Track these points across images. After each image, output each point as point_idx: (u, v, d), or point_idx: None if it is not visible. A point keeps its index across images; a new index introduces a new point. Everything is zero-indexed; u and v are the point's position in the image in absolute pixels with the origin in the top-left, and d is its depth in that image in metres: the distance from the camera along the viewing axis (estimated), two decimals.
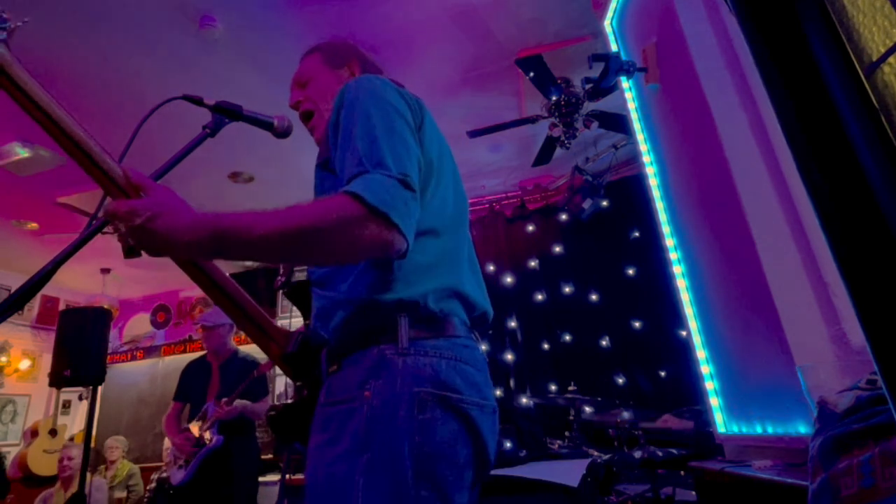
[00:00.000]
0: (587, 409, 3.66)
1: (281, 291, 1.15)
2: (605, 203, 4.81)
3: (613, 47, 2.86)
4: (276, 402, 5.60)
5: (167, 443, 4.69)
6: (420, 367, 0.81)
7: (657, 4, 2.40)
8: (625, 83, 2.82)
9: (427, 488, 0.76)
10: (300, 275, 1.12)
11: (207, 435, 2.93)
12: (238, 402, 2.96)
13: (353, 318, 0.87)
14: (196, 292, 6.83)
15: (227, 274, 1.00)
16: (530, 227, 5.58)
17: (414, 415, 0.78)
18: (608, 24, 2.93)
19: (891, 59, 0.43)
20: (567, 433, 3.74)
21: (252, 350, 3.45)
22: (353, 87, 0.93)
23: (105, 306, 5.25)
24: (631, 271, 4.96)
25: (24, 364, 6.57)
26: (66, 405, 6.70)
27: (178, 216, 0.77)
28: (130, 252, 0.80)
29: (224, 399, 2.92)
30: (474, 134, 4.00)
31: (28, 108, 0.77)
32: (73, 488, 3.77)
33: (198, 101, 1.06)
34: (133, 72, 3.44)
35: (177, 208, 0.78)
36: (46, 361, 5.85)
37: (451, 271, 0.93)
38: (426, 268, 0.88)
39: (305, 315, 1.08)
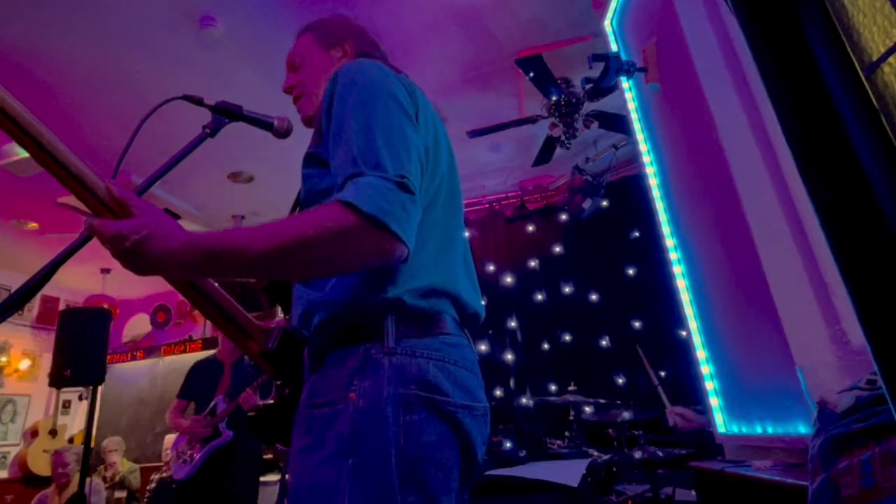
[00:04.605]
0: (587, 409, 3.66)
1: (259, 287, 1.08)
2: (605, 203, 4.81)
3: (613, 47, 2.86)
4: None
5: (167, 442, 4.69)
6: (406, 368, 0.78)
7: (657, 4, 2.40)
8: (625, 83, 2.82)
9: (413, 492, 0.74)
10: None
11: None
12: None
13: (338, 318, 0.84)
14: None
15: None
16: (530, 227, 5.58)
17: (400, 416, 0.75)
18: (608, 24, 2.93)
19: (891, 59, 0.43)
20: (567, 433, 3.74)
21: None
22: (346, 74, 0.87)
23: (105, 306, 5.26)
24: (631, 271, 4.96)
25: (24, 364, 6.57)
26: (66, 405, 6.71)
27: (169, 238, 0.72)
28: None
29: (248, 388, 2.89)
30: (474, 134, 4.00)
31: None
32: (69, 491, 3.76)
33: (198, 101, 1.06)
34: (133, 72, 3.44)
35: (167, 229, 0.73)
36: (46, 361, 5.85)
37: (443, 269, 0.88)
38: (416, 266, 0.83)
39: (285, 309, 1.04)
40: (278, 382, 0.99)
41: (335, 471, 0.73)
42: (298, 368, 0.94)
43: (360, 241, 0.72)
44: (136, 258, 0.72)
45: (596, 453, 3.11)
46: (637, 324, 4.84)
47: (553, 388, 4.93)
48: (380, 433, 0.74)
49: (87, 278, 6.54)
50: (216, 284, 0.97)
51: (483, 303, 1.00)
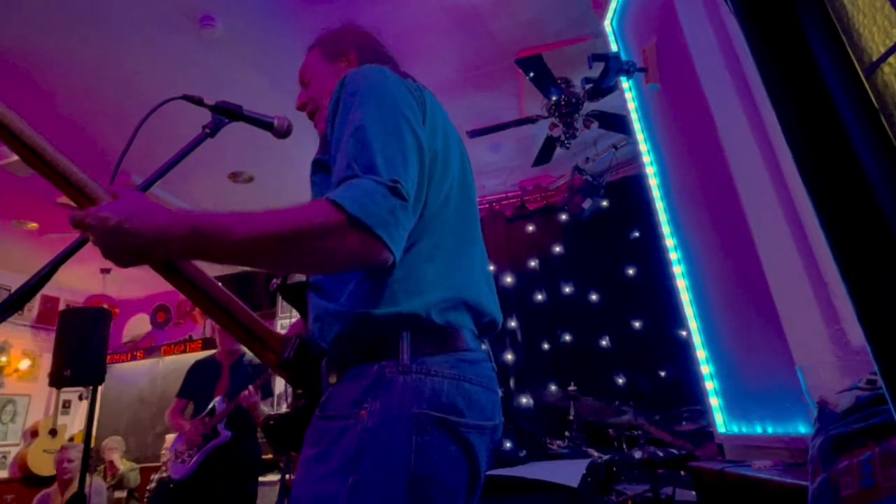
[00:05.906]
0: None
1: (277, 292, 1.08)
2: (605, 203, 4.80)
3: (613, 47, 2.86)
4: (273, 408, 5.59)
5: (167, 441, 4.70)
6: (421, 388, 0.77)
7: (657, 4, 2.40)
8: (625, 83, 2.82)
9: None
10: (299, 276, 1.06)
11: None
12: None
13: (353, 331, 0.83)
14: None
15: (223, 274, 0.93)
16: (530, 227, 5.58)
17: (412, 437, 0.74)
18: (608, 24, 2.93)
19: (891, 59, 0.43)
20: (567, 433, 3.74)
21: None
22: (350, 81, 0.88)
23: (105, 306, 5.25)
24: (631, 271, 4.96)
25: (24, 364, 6.56)
26: (66, 405, 6.70)
27: (153, 215, 0.73)
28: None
29: (250, 387, 2.89)
30: (474, 134, 3.99)
31: None
32: (72, 490, 3.76)
33: (198, 101, 1.06)
34: (133, 72, 3.44)
35: (151, 208, 0.74)
36: (46, 361, 5.84)
37: (459, 276, 0.87)
38: (430, 274, 0.83)
39: (304, 316, 1.03)
40: (298, 391, 0.99)
41: (337, 486, 0.73)
42: (315, 378, 0.93)
43: (341, 240, 0.71)
44: (121, 237, 0.72)
45: (596, 453, 3.11)
46: (637, 324, 4.83)
47: (553, 388, 4.92)
48: (389, 453, 0.74)
49: (87, 278, 6.53)
50: (231, 294, 0.96)
51: None
